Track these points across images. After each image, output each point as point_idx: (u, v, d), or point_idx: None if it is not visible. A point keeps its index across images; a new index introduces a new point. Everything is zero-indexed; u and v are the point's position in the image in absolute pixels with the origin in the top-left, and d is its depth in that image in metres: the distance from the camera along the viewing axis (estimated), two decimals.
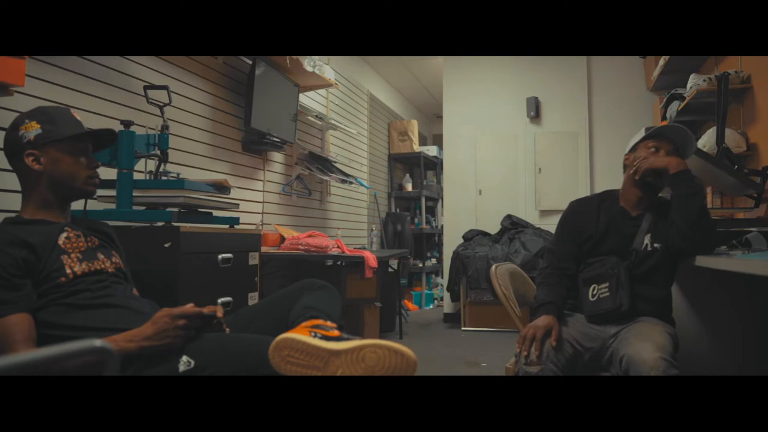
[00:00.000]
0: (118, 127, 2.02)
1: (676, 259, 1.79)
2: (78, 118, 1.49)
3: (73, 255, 1.41)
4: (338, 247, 3.58)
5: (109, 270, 1.48)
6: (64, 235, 1.42)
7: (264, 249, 3.35)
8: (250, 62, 3.36)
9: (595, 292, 1.76)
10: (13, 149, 1.42)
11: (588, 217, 1.89)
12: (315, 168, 4.28)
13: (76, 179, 1.45)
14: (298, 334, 1.20)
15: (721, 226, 1.97)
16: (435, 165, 6.96)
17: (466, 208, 5.14)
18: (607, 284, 1.74)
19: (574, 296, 1.86)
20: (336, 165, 4.70)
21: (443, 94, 5.28)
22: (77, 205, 1.59)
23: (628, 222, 1.85)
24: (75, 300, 1.35)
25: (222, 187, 2.22)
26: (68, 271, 1.37)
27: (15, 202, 1.94)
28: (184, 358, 1.25)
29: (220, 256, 2.16)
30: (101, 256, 1.48)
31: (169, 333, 1.28)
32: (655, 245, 1.79)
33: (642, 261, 1.79)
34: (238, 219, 2.42)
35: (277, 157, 3.98)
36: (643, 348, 1.50)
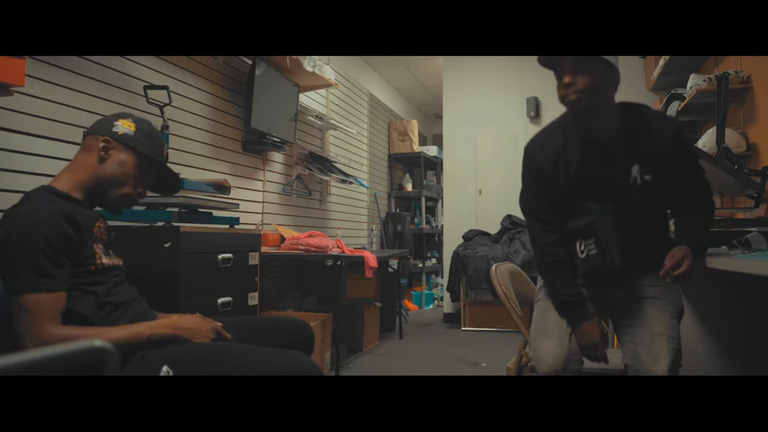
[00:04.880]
0: None
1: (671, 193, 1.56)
2: (166, 152, 1.53)
3: (101, 245, 1.41)
4: (338, 247, 3.58)
5: (120, 266, 1.50)
6: (98, 223, 1.43)
7: (264, 249, 3.35)
8: (250, 62, 3.35)
9: (583, 249, 1.54)
10: (100, 129, 1.43)
11: (553, 163, 1.60)
12: (315, 168, 4.28)
13: (113, 188, 1.43)
14: None
15: (721, 226, 1.97)
16: (435, 165, 6.96)
17: (466, 208, 5.14)
18: (593, 239, 1.51)
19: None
20: (336, 165, 4.70)
21: (443, 94, 5.28)
22: None
23: (600, 152, 1.54)
24: (97, 289, 1.36)
25: (222, 187, 2.22)
26: (98, 260, 1.38)
27: (15, 202, 1.94)
28: (165, 368, 1.25)
29: (220, 256, 2.16)
30: (112, 253, 1.49)
31: (204, 333, 1.37)
32: (646, 177, 1.51)
33: (630, 201, 1.53)
34: (238, 219, 2.42)
35: (277, 157, 3.98)
36: (651, 361, 1.42)
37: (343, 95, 5.20)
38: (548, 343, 1.53)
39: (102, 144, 1.40)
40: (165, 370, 1.25)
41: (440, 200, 6.79)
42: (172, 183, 1.58)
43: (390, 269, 4.54)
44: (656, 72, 3.95)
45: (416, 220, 6.57)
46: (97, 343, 0.71)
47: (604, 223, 1.49)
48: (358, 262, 3.58)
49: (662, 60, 3.77)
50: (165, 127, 2.14)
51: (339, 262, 3.64)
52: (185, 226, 1.99)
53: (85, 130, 1.46)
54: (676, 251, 1.45)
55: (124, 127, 1.42)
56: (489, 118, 5.14)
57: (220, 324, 1.44)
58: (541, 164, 1.62)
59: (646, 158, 1.51)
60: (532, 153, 1.66)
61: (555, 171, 1.59)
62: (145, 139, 1.44)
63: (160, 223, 2.00)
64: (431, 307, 6.15)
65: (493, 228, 4.91)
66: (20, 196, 1.46)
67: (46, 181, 2.08)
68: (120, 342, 1.26)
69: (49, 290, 1.22)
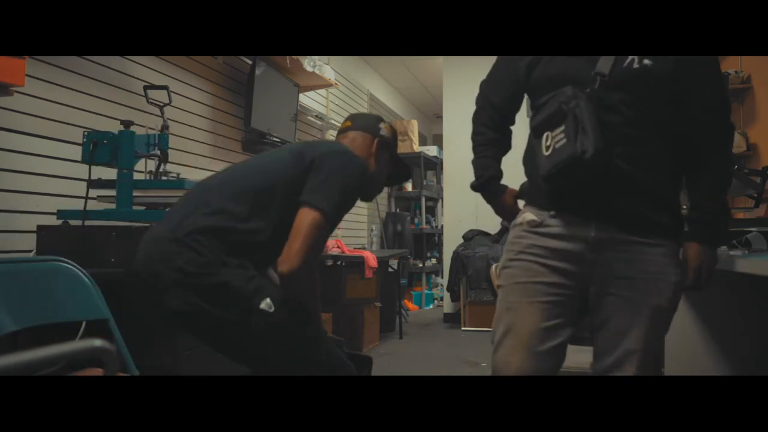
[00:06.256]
0: (118, 127, 2.02)
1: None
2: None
3: None
4: (338, 247, 3.59)
5: None
6: None
7: None
8: (250, 62, 3.35)
9: (549, 143, 1.20)
10: (371, 129, 1.61)
11: None
12: None
13: (381, 182, 1.64)
14: None
15: None
16: (435, 165, 6.96)
17: (466, 208, 5.13)
18: (562, 127, 1.16)
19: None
20: None
21: (443, 94, 5.28)
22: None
23: None
24: None
25: None
26: None
27: (15, 202, 1.94)
28: (268, 300, 1.27)
29: None
30: None
31: None
32: (645, 62, 1.19)
33: (620, 86, 1.18)
34: None
35: None
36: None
37: (343, 95, 5.20)
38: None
39: (376, 146, 1.59)
40: (267, 303, 1.27)
41: (440, 200, 6.79)
42: (405, 174, 1.77)
43: (390, 269, 4.54)
44: None
45: (416, 220, 6.57)
46: (97, 342, 0.71)
47: (579, 105, 1.14)
48: (358, 262, 3.58)
49: None
50: (165, 127, 2.14)
51: (339, 262, 3.64)
52: None
53: (352, 121, 1.62)
54: (687, 252, 1.24)
55: (385, 131, 1.62)
56: None
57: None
58: None
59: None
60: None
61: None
62: (395, 140, 1.66)
63: None
64: (431, 307, 6.15)
65: (493, 228, 4.91)
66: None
67: (46, 181, 2.10)
68: (316, 316, 1.38)
69: (332, 233, 1.32)
